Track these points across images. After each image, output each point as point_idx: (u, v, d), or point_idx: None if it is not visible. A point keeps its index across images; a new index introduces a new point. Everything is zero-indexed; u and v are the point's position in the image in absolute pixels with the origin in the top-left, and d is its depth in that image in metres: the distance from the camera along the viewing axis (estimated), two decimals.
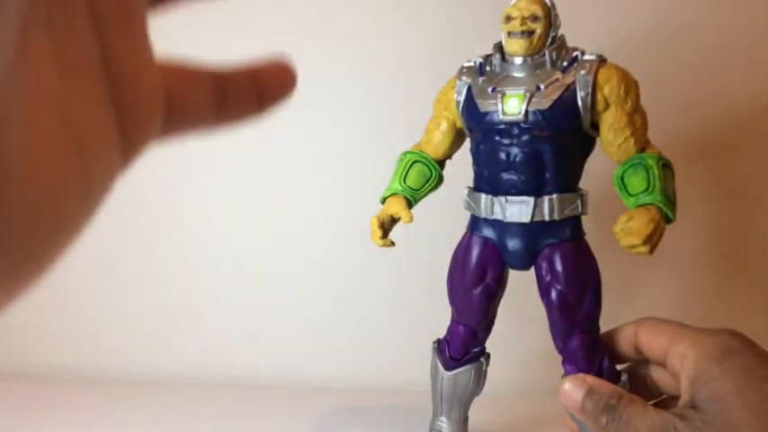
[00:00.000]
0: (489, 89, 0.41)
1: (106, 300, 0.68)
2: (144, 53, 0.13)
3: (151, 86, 0.13)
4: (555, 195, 0.40)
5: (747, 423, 0.30)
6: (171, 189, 0.67)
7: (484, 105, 0.41)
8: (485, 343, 0.46)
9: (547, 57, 0.41)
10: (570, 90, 0.40)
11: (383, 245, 0.44)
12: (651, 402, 0.35)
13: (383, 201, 0.46)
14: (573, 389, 0.36)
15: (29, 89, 0.10)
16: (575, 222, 0.42)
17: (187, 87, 0.14)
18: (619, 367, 0.41)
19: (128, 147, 0.13)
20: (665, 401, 0.39)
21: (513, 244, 0.42)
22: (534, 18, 0.40)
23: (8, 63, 0.09)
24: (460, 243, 0.45)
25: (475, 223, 0.44)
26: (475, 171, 0.44)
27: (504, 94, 0.40)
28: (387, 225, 0.45)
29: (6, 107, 0.10)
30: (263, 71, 0.16)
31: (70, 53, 0.11)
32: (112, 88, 0.12)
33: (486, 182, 0.42)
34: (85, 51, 0.12)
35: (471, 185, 0.44)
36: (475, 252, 0.43)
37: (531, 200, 0.40)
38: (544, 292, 0.42)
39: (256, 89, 0.16)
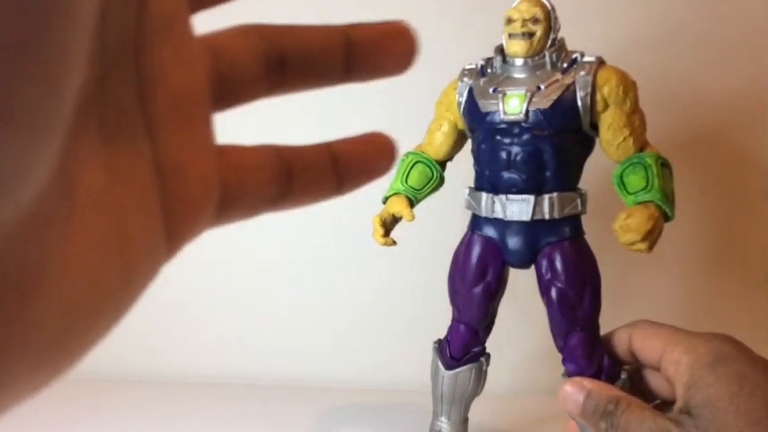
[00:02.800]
0: (490, 90, 0.42)
1: None
2: (198, 146, 0.13)
3: (203, 179, 0.13)
4: (555, 194, 0.41)
5: (742, 429, 0.30)
6: None
7: (485, 106, 0.42)
8: (485, 342, 0.46)
9: (547, 58, 0.41)
10: (570, 90, 0.40)
11: (384, 244, 0.45)
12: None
13: (385, 200, 0.46)
14: (572, 393, 0.36)
15: (76, 191, 0.10)
16: (574, 221, 0.42)
17: (245, 173, 0.14)
18: None
19: (173, 237, 0.13)
20: (659, 406, 0.39)
21: (513, 242, 0.42)
22: (535, 20, 0.41)
23: (56, 165, 0.09)
24: (461, 242, 0.45)
25: (476, 222, 0.44)
26: (476, 171, 0.44)
27: (504, 95, 0.41)
28: (388, 224, 0.45)
29: (51, 208, 0.10)
30: (349, 147, 0.15)
31: (121, 155, 0.11)
32: (161, 183, 0.12)
33: (487, 181, 0.43)
34: (136, 152, 0.12)
35: (472, 185, 0.45)
36: (475, 251, 0.44)
37: (531, 198, 0.41)
38: (544, 290, 0.42)
39: (336, 168, 0.15)
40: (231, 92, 0.14)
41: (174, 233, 0.13)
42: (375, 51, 0.15)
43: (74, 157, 0.10)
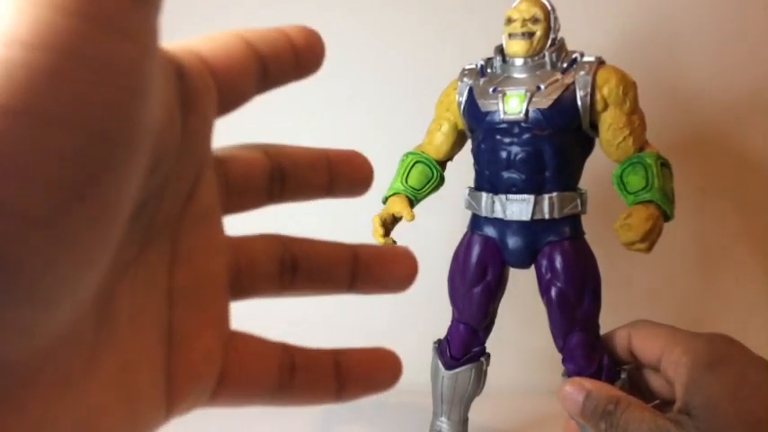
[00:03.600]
0: (490, 90, 0.42)
1: None
2: (209, 324, 0.14)
3: (206, 352, 0.14)
4: (555, 194, 0.41)
5: (741, 430, 0.30)
6: None
7: (485, 105, 0.42)
8: (485, 342, 0.46)
9: (547, 58, 0.41)
10: (570, 90, 0.40)
11: (384, 243, 0.45)
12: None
13: (385, 200, 0.46)
14: (572, 393, 0.36)
15: (102, 329, 0.11)
16: (574, 221, 0.42)
17: (249, 358, 0.15)
18: None
19: (171, 401, 0.14)
20: (659, 406, 0.39)
21: (513, 242, 0.42)
22: (534, 20, 0.41)
23: (91, 297, 0.11)
24: (461, 242, 0.45)
25: (476, 222, 0.44)
26: (476, 170, 0.44)
27: (504, 94, 0.41)
28: (388, 224, 0.45)
29: (82, 335, 0.11)
30: (355, 357, 0.17)
31: (143, 314, 0.13)
32: (169, 348, 0.13)
33: (487, 181, 0.43)
34: (156, 315, 0.13)
35: (472, 185, 0.45)
36: (475, 251, 0.44)
37: (531, 198, 0.41)
38: (544, 289, 0.42)
39: (338, 374, 0.16)
40: (248, 285, 0.16)
41: (173, 398, 0.14)
42: (379, 270, 0.17)
43: (108, 300, 0.12)
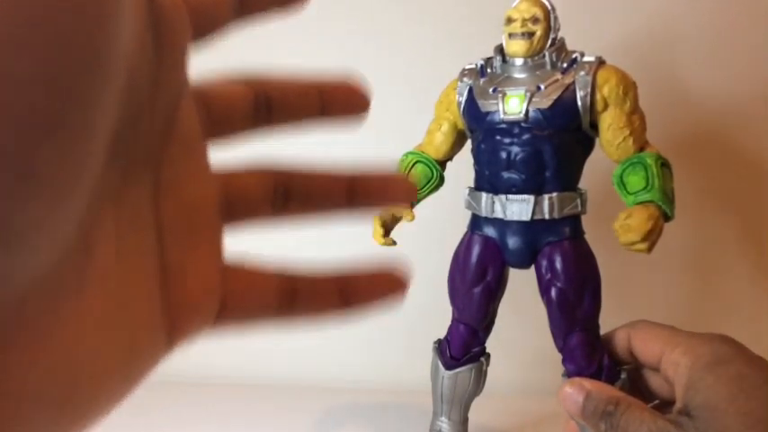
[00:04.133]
0: (490, 90, 0.42)
1: None
2: (203, 254, 0.14)
3: (204, 283, 0.14)
4: (555, 194, 0.41)
5: (741, 431, 0.30)
6: None
7: (485, 105, 0.42)
8: (485, 342, 0.46)
9: (547, 58, 0.41)
10: (570, 90, 0.40)
11: (384, 244, 0.45)
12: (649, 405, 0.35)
13: None
14: (572, 394, 0.36)
15: (89, 267, 0.11)
16: (574, 221, 0.42)
17: (247, 289, 0.15)
18: None
19: (173, 333, 0.13)
20: (658, 406, 0.39)
21: (513, 242, 0.42)
22: (534, 20, 0.41)
23: (73, 235, 0.10)
24: (461, 242, 0.45)
25: (476, 222, 0.44)
26: (476, 171, 0.44)
27: (504, 95, 0.41)
28: (388, 224, 0.45)
29: (66, 277, 0.10)
30: (361, 280, 0.16)
31: (132, 248, 0.12)
32: (165, 281, 0.13)
33: (487, 181, 0.43)
34: (146, 249, 0.13)
35: (472, 185, 0.45)
36: (475, 251, 0.44)
37: (531, 198, 0.41)
38: (544, 290, 0.42)
39: (342, 292, 0.16)
40: (241, 211, 0.16)
41: (174, 330, 0.13)
42: (378, 185, 0.17)
43: (90, 236, 0.11)
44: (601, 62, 0.41)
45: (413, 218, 0.44)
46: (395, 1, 0.63)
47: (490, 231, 0.43)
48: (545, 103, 0.40)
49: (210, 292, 0.14)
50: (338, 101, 0.17)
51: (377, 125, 0.64)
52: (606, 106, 0.40)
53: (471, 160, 0.45)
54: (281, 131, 0.16)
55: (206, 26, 0.14)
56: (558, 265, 0.41)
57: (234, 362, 0.68)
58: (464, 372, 0.46)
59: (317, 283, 0.16)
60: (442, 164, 0.47)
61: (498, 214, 0.42)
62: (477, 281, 0.44)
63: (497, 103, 0.41)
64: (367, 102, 0.17)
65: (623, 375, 0.40)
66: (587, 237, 0.43)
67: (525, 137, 0.41)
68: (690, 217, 0.62)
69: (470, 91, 0.43)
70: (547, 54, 0.41)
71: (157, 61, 0.12)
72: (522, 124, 0.41)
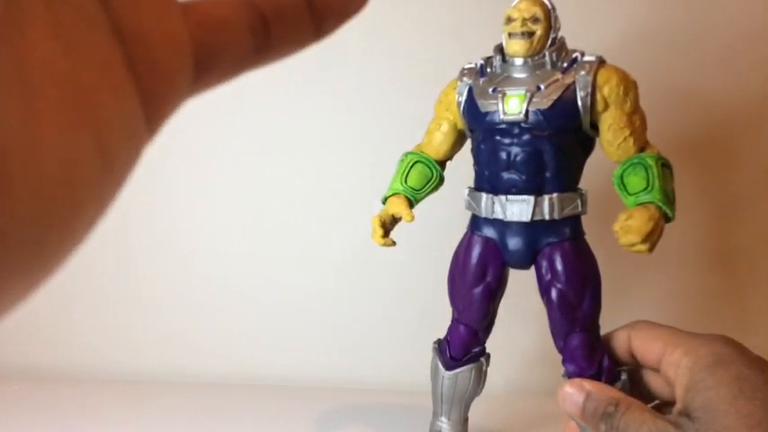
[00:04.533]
0: (490, 89, 0.42)
1: (107, 300, 0.68)
2: (158, 7, 0.12)
3: (170, 41, 0.12)
4: (555, 195, 0.41)
5: None
6: (171, 187, 0.67)
7: (485, 105, 0.42)
8: (485, 343, 0.46)
9: (547, 58, 0.41)
10: (570, 90, 0.40)
11: (384, 244, 0.44)
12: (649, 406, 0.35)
13: (384, 201, 0.46)
14: (572, 394, 0.36)
15: (27, 62, 0.09)
16: (574, 222, 0.42)
17: (217, 29, 0.13)
18: None
19: (151, 112, 0.12)
20: (659, 407, 0.39)
21: (513, 243, 0.42)
22: (535, 20, 0.41)
23: None
24: (461, 243, 0.45)
25: (475, 223, 0.44)
26: (475, 171, 0.44)
27: (504, 95, 0.41)
28: (388, 224, 0.45)
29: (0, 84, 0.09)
30: None
31: (72, 22, 0.10)
32: (125, 52, 0.11)
33: (487, 181, 0.42)
34: (88, 18, 0.11)
35: (472, 185, 0.45)
36: (475, 251, 0.44)
37: (531, 199, 0.41)
38: (544, 290, 0.42)
39: (312, 10, 0.14)
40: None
41: (151, 106, 0.12)
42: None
43: (13, 25, 0.09)
44: (601, 62, 0.41)
45: (412, 218, 0.44)
46: (394, 0, 0.63)
47: (490, 232, 0.43)
48: (545, 103, 0.40)
49: (180, 47, 0.12)
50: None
51: (377, 124, 0.64)
52: (607, 106, 0.40)
53: (471, 160, 0.45)
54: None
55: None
56: (559, 265, 0.41)
57: (233, 362, 0.68)
58: (464, 372, 0.46)
59: (285, 6, 0.14)
60: (442, 164, 0.47)
61: (498, 215, 0.42)
62: (477, 281, 0.44)
63: (497, 104, 0.41)
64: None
65: (623, 376, 0.40)
66: (587, 237, 0.43)
67: (525, 137, 0.40)
68: (690, 218, 0.62)
69: (470, 91, 0.43)
70: (547, 54, 0.41)
71: None
72: (522, 124, 0.40)
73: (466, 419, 0.48)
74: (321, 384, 0.64)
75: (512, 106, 0.40)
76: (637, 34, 0.61)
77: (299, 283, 0.67)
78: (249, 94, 0.65)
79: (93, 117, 0.10)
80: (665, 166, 0.40)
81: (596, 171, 0.44)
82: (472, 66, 0.44)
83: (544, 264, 0.42)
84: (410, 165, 0.46)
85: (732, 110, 0.62)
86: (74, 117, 0.10)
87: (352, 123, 0.65)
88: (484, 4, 0.56)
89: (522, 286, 0.45)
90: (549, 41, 0.41)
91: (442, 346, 0.47)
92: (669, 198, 0.39)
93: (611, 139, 0.40)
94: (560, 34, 0.42)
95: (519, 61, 0.41)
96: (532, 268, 0.43)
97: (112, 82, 0.11)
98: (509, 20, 0.41)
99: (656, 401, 0.39)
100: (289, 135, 0.66)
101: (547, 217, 0.41)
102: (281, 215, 0.67)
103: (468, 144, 0.46)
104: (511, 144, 0.41)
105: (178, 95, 0.12)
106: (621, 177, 0.40)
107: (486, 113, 0.42)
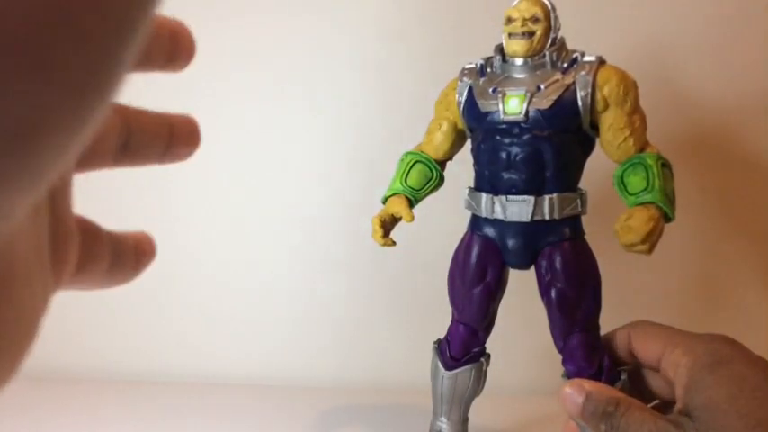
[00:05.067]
0: (490, 90, 0.42)
1: (106, 300, 0.68)
2: (71, 207, 0.15)
3: (73, 230, 0.15)
4: (555, 195, 0.41)
5: (742, 431, 0.30)
6: (164, 189, 0.67)
7: (485, 106, 0.42)
8: (485, 343, 0.46)
9: (547, 58, 0.41)
10: (570, 90, 0.40)
11: (384, 244, 0.44)
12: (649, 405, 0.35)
13: (384, 201, 0.46)
14: (572, 394, 0.36)
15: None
16: (574, 222, 0.42)
17: (91, 243, 0.16)
18: None
19: (57, 272, 0.15)
20: (658, 406, 0.39)
21: (513, 243, 0.42)
22: (535, 20, 0.41)
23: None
24: (461, 242, 0.45)
25: (475, 223, 0.44)
26: (475, 171, 0.44)
27: (504, 95, 0.41)
28: (388, 224, 0.45)
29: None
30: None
31: (35, 204, 0.13)
32: (53, 230, 0.14)
33: (487, 181, 0.42)
34: (42, 202, 0.14)
35: (472, 185, 0.45)
36: (475, 251, 0.44)
37: (531, 199, 0.41)
38: (544, 290, 0.42)
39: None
40: (87, 163, 0.16)
41: (58, 268, 0.15)
42: (184, 142, 0.18)
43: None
44: (601, 62, 0.41)
45: (412, 218, 0.44)
46: (395, 0, 0.63)
47: (490, 232, 0.43)
48: (545, 103, 0.40)
49: (77, 235, 0.16)
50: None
51: (376, 124, 0.64)
52: (606, 106, 0.40)
53: (471, 160, 0.45)
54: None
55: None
56: (559, 265, 0.41)
57: (233, 362, 0.68)
58: (464, 372, 0.46)
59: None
60: (442, 164, 0.47)
61: (498, 215, 0.42)
62: (477, 281, 0.44)
63: (497, 104, 0.41)
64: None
65: (623, 376, 0.40)
66: (587, 237, 0.43)
67: (525, 137, 0.40)
68: (690, 218, 0.62)
69: (470, 91, 0.43)
70: (547, 54, 0.41)
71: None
72: (522, 124, 0.40)
73: (466, 419, 0.48)
74: (321, 384, 0.64)
75: (512, 106, 0.40)
76: (637, 34, 0.61)
77: (300, 283, 0.67)
78: (248, 94, 0.65)
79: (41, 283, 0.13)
80: (665, 166, 0.40)
81: (596, 171, 0.44)
82: (472, 66, 0.44)
83: (544, 264, 0.42)
84: (410, 165, 0.46)
85: (732, 110, 0.62)
86: (37, 277, 0.13)
87: (352, 123, 0.65)
88: (484, 4, 0.56)
89: (522, 286, 0.45)
90: (549, 41, 0.41)
91: (441, 346, 0.47)
92: (669, 198, 0.39)
93: (611, 139, 0.40)
94: (560, 34, 0.42)
95: (519, 61, 0.42)
96: (532, 268, 0.43)
97: (43, 250, 0.14)
98: (509, 20, 0.41)
99: (656, 401, 0.39)
100: (289, 134, 0.65)
101: (547, 217, 0.41)
102: (282, 216, 0.67)
103: (468, 144, 0.46)
104: (511, 144, 0.41)
105: (68, 275, 0.16)
106: (621, 177, 0.40)
107: (487, 113, 0.42)
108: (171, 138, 0.17)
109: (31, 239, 0.13)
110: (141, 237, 0.18)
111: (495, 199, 0.42)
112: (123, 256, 0.17)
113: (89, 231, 0.16)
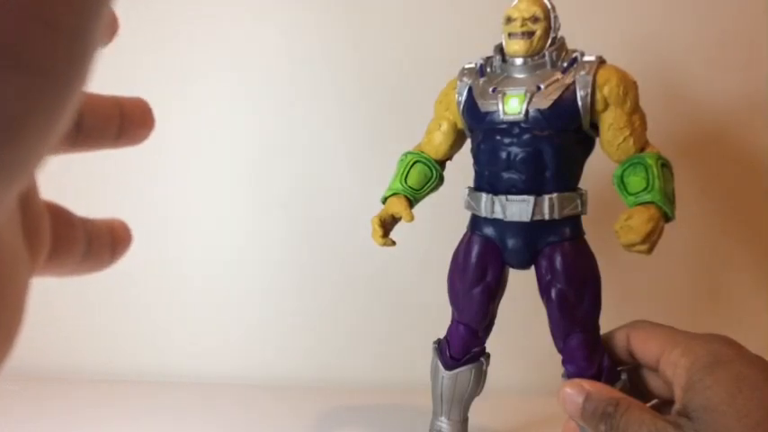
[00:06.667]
0: (490, 89, 0.42)
1: (105, 300, 0.68)
2: (37, 188, 0.15)
3: (43, 212, 0.16)
4: (555, 195, 0.41)
5: None
6: (159, 188, 0.67)
7: (485, 105, 0.42)
8: (485, 343, 0.46)
9: (547, 57, 0.41)
10: (570, 90, 0.40)
11: (384, 244, 0.44)
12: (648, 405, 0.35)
13: (384, 201, 0.46)
14: (571, 394, 0.36)
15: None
16: (574, 222, 0.42)
17: (63, 228, 0.17)
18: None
19: (32, 261, 0.15)
20: (658, 406, 0.39)
21: (513, 243, 0.42)
22: (534, 19, 0.41)
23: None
24: (461, 242, 0.45)
25: (475, 223, 0.44)
26: (475, 171, 0.44)
27: (504, 95, 0.41)
28: (388, 224, 0.45)
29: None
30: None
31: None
32: (23, 212, 0.14)
33: (487, 181, 0.42)
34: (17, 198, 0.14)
35: (472, 185, 0.45)
36: (475, 251, 0.44)
37: (531, 199, 0.41)
38: (544, 290, 0.42)
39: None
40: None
41: (32, 254, 0.15)
42: (137, 123, 0.18)
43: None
44: (601, 62, 0.41)
45: (412, 218, 0.44)
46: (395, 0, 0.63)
47: (490, 232, 0.43)
48: (545, 103, 0.40)
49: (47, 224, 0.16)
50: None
51: (376, 124, 0.64)
52: (606, 106, 0.40)
53: (471, 160, 0.45)
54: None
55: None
56: (559, 265, 0.41)
57: (233, 362, 0.68)
58: (464, 372, 0.46)
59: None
60: (442, 163, 0.47)
61: (498, 215, 0.42)
62: (477, 281, 0.44)
63: (497, 103, 0.41)
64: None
65: (623, 376, 0.40)
66: (587, 237, 0.43)
67: (525, 137, 0.40)
68: (690, 217, 0.62)
69: (470, 91, 0.43)
70: (547, 53, 0.41)
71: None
72: (522, 124, 0.40)
73: (466, 419, 0.48)
74: (321, 384, 0.64)
75: (512, 106, 0.40)
76: (637, 34, 0.61)
77: (299, 283, 0.67)
78: (246, 94, 0.65)
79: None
80: (664, 165, 0.40)
81: (596, 171, 0.44)
82: (472, 66, 0.44)
83: (544, 264, 0.42)
84: (410, 164, 0.46)
85: (732, 110, 0.62)
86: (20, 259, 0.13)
87: (352, 123, 0.65)
88: (484, 4, 0.56)
89: (522, 286, 0.45)
90: (549, 41, 0.41)
91: (441, 346, 0.47)
92: (669, 198, 0.39)
93: (611, 139, 0.40)
94: (560, 34, 0.42)
95: (519, 61, 0.42)
96: (532, 268, 0.43)
97: (20, 240, 0.14)
98: (509, 20, 0.41)
99: (656, 401, 0.39)
100: (290, 133, 0.65)
101: (547, 217, 0.41)
102: (280, 216, 0.67)
103: (467, 144, 0.46)
104: (511, 144, 0.41)
105: (46, 248, 0.16)
106: (621, 177, 0.40)
107: (487, 113, 0.42)
108: (123, 118, 0.17)
109: (13, 225, 0.13)
110: (116, 223, 0.19)
111: (495, 199, 0.42)
112: (98, 241, 0.18)
113: (61, 216, 0.17)
